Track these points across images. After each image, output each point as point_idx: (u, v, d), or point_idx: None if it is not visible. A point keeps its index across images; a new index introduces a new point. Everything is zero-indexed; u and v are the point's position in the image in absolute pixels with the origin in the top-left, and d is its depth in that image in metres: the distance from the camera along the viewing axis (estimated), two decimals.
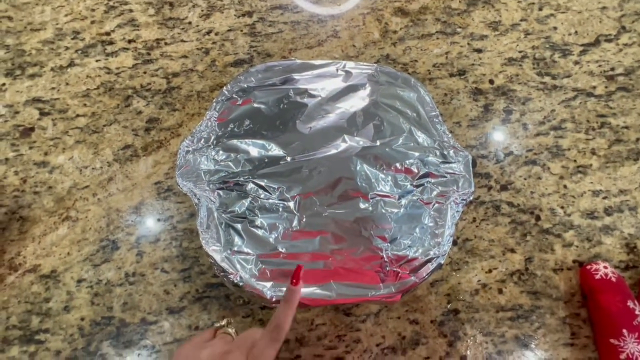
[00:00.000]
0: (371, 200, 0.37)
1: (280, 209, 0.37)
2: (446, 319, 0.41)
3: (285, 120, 0.40)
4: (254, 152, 0.39)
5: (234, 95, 0.41)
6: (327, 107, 0.41)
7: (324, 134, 0.40)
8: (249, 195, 0.37)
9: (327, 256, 0.36)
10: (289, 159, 0.39)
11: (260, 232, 0.36)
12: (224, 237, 0.36)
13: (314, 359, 0.40)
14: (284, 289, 0.34)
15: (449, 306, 0.42)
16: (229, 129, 0.40)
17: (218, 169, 0.38)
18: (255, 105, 0.41)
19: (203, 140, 0.39)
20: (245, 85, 0.41)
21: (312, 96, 0.41)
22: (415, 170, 0.39)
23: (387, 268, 0.36)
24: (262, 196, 0.37)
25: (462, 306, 0.42)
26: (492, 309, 0.42)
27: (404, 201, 0.38)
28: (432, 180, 0.38)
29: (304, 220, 0.37)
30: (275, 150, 0.39)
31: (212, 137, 0.39)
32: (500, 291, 0.42)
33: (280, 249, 0.36)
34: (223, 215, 0.36)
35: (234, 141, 0.39)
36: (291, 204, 0.37)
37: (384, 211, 0.37)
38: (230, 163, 0.38)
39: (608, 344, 0.38)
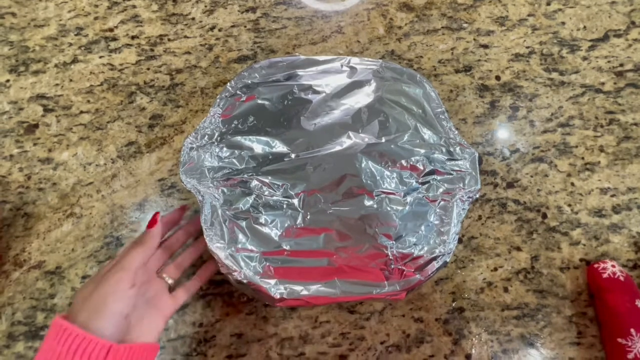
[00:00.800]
0: (376, 198, 0.37)
1: (285, 206, 0.37)
2: (451, 317, 0.41)
3: (289, 117, 0.40)
4: (258, 148, 0.38)
5: (238, 92, 0.41)
6: (331, 104, 0.41)
7: (329, 130, 0.39)
8: (253, 192, 0.37)
9: (331, 254, 0.36)
10: (293, 155, 0.38)
11: (264, 229, 0.36)
12: (228, 234, 0.35)
13: (318, 356, 0.40)
14: (289, 286, 0.34)
15: (454, 304, 0.41)
16: (232, 125, 0.39)
17: (222, 165, 0.38)
18: (259, 101, 0.40)
19: (207, 137, 0.39)
20: (249, 82, 0.41)
21: (316, 92, 0.41)
22: (421, 167, 0.38)
23: (392, 266, 0.35)
24: (266, 193, 0.37)
25: (467, 304, 0.41)
26: (497, 307, 0.41)
27: (409, 198, 0.37)
28: (438, 178, 0.38)
29: (309, 217, 0.36)
30: (280, 147, 0.39)
31: (216, 134, 0.39)
32: (505, 289, 0.42)
33: (284, 247, 0.36)
34: (227, 212, 0.36)
35: (238, 138, 0.39)
36: (295, 201, 0.37)
37: (389, 209, 0.37)
38: (234, 160, 0.38)
39: (615, 343, 0.37)
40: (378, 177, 0.38)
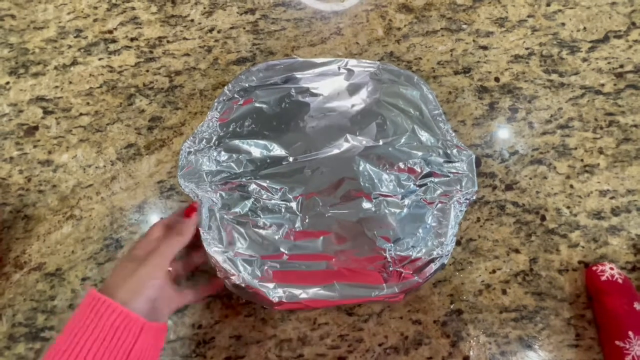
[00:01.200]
0: (374, 201, 0.37)
1: (283, 210, 0.37)
2: (449, 319, 0.41)
3: (287, 120, 0.40)
4: (256, 152, 0.39)
5: (235, 95, 0.41)
6: (329, 106, 0.41)
7: (327, 133, 0.40)
8: (252, 196, 0.37)
9: (330, 257, 0.36)
10: (291, 159, 0.38)
11: (262, 233, 0.36)
12: (226, 238, 0.36)
13: (316, 358, 0.40)
14: (288, 289, 0.34)
15: (452, 306, 0.42)
16: (230, 129, 0.39)
17: (220, 169, 0.38)
18: (257, 104, 0.40)
19: (204, 141, 0.39)
20: (247, 85, 0.41)
21: (314, 95, 0.41)
22: (419, 170, 0.38)
23: (391, 268, 0.36)
24: (264, 197, 0.37)
25: (466, 306, 0.42)
26: (495, 309, 0.41)
27: (407, 201, 0.37)
28: (436, 180, 0.38)
29: (307, 220, 0.37)
30: (278, 151, 0.39)
31: (214, 138, 0.39)
32: (504, 292, 0.42)
33: (283, 250, 0.36)
34: (225, 216, 0.36)
35: (236, 141, 0.39)
36: (294, 205, 0.37)
37: (387, 211, 0.37)
38: (232, 164, 0.38)
39: (613, 346, 0.37)
40: (376, 180, 0.38)
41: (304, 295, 0.34)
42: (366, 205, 0.37)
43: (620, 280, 0.39)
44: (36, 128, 0.48)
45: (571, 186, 0.45)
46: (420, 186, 0.38)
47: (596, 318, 0.40)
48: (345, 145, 0.39)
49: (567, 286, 0.42)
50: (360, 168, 0.38)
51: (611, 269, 0.40)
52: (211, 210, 0.36)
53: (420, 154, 0.39)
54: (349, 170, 0.38)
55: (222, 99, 0.40)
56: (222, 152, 0.38)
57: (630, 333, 0.37)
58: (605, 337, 0.39)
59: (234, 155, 0.38)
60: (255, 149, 0.39)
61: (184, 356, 0.40)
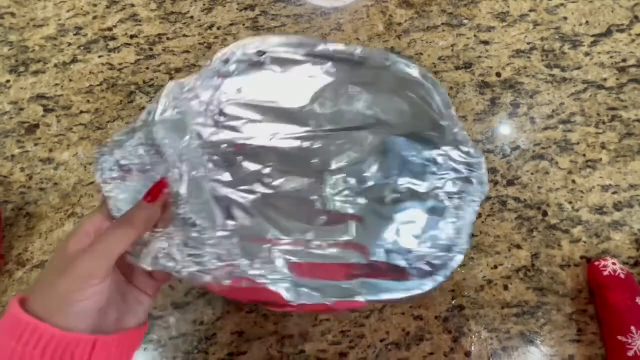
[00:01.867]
0: (400, 191, 0.33)
1: (304, 184, 0.29)
2: (450, 314, 0.41)
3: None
4: (269, 116, 0.32)
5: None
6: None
7: (347, 119, 0.36)
8: (260, 163, 0.30)
9: (363, 246, 0.30)
10: (312, 127, 0.32)
11: (279, 209, 0.28)
12: (215, 216, 0.27)
13: (318, 354, 0.40)
14: (304, 287, 0.27)
15: (453, 302, 0.42)
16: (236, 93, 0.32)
17: (220, 128, 0.29)
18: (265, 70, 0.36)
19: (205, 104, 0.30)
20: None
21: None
22: (441, 162, 0.36)
23: (415, 264, 0.33)
24: (279, 166, 0.30)
25: (467, 302, 0.42)
26: (497, 305, 0.41)
27: (427, 195, 0.35)
28: (453, 175, 0.36)
29: (334, 200, 0.29)
30: (295, 123, 0.32)
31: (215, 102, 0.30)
32: (505, 287, 0.42)
33: (305, 235, 0.28)
34: (218, 187, 0.28)
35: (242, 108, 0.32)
36: (318, 181, 0.30)
37: (413, 202, 0.33)
38: (237, 123, 0.31)
39: (615, 340, 0.37)
40: (398, 169, 0.34)
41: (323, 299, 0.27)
42: (392, 193, 0.33)
43: (622, 275, 0.39)
44: (37, 126, 0.48)
45: (573, 181, 0.45)
46: (439, 179, 0.36)
47: (598, 313, 0.40)
48: (364, 132, 0.34)
49: (568, 281, 0.42)
50: (384, 153, 0.34)
51: (613, 264, 0.40)
52: (200, 178, 0.27)
53: (435, 147, 0.36)
54: (374, 151, 0.33)
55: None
56: (227, 108, 0.30)
57: (632, 328, 0.37)
58: (607, 332, 0.39)
59: (241, 114, 0.30)
60: (267, 115, 0.31)
61: (186, 352, 0.40)
